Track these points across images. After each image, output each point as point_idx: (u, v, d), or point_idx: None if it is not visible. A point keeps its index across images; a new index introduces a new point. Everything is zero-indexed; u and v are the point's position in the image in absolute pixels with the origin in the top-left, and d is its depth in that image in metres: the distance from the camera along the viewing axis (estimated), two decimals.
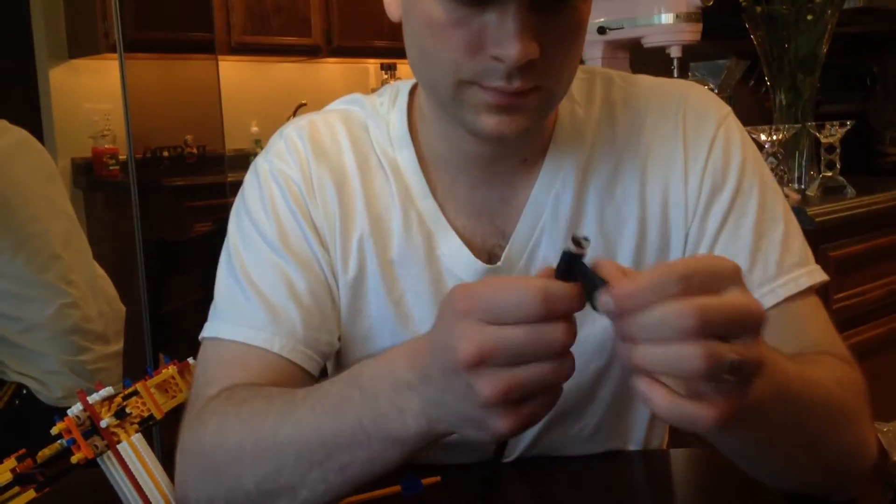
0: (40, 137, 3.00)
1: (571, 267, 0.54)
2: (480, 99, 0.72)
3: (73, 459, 0.75)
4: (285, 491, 0.67)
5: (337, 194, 0.84)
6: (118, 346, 1.82)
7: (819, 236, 1.77)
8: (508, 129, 0.73)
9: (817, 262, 0.84)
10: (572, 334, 0.54)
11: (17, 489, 0.75)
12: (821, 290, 0.84)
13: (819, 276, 0.83)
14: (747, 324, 0.52)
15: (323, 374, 0.90)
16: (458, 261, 0.83)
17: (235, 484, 0.69)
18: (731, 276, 0.53)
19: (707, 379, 0.51)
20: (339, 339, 0.85)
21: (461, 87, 0.73)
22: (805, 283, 0.81)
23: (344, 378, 0.66)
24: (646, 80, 0.89)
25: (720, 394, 0.51)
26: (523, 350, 0.53)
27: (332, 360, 0.89)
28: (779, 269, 0.81)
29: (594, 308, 0.53)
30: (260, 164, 0.87)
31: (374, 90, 0.94)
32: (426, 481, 0.83)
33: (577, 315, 0.84)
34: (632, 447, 0.92)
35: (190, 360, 0.91)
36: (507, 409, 0.54)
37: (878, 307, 2.00)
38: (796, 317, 0.80)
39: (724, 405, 0.51)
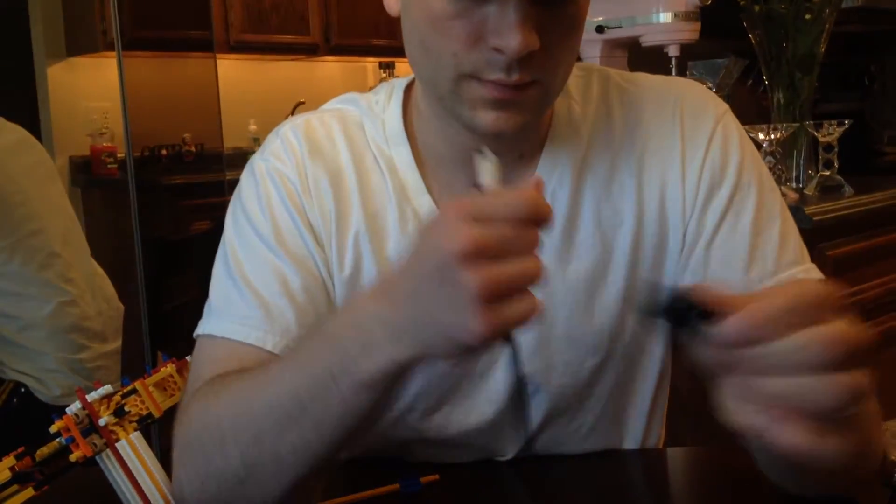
0: (38, 135, 2.99)
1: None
2: (479, 94, 0.73)
3: (72, 458, 0.75)
4: (269, 459, 0.67)
5: (333, 192, 0.84)
6: (116, 344, 1.82)
7: (817, 235, 1.78)
8: (506, 125, 0.74)
9: (815, 260, 0.84)
10: (539, 237, 0.57)
11: (15, 487, 0.75)
12: None
13: (815, 274, 0.83)
14: (863, 355, 0.51)
15: None
16: None
17: (223, 463, 0.69)
18: (835, 304, 0.52)
19: (842, 411, 0.50)
20: None
21: (460, 82, 0.73)
22: (802, 279, 0.81)
23: (310, 333, 0.67)
24: (643, 78, 0.89)
25: (841, 425, 0.50)
26: (511, 244, 0.55)
27: None
28: (776, 267, 0.81)
29: (694, 334, 0.52)
30: (256, 162, 0.88)
31: (372, 89, 0.94)
32: (425, 480, 0.83)
33: (574, 313, 0.84)
34: (629, 444, 0.92)
35: (188, 358, 0.91)
36: (490, 307, 0.55)
37: (875, 306, 2.00)
38: None
39: (847, 436, 0.51)
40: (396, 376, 0.62)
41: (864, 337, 0.51)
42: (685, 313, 0.52)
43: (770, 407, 0.50)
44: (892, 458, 0.78)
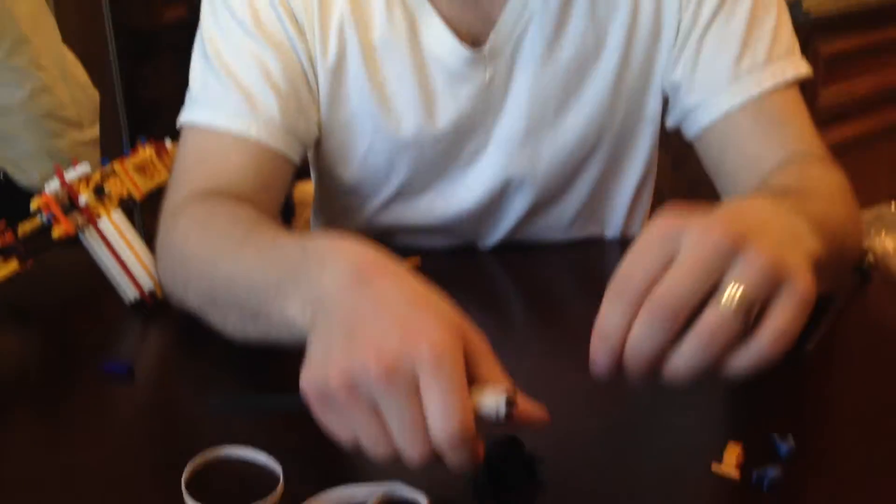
0: None
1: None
2: None
3: (54, 234, 0.75)
4: (218, 322, 0.66)
5: None
6: (94, 132, 1.80)
7: (812, 30, 1.74)
8: None
9: (807, 56, 0.83)
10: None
11: None
12: (809, 85, 0.83)
13: (804, 68, 0.82)
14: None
15: (305, 164, 0.90)
16: (442, 46, 0.81)
17: (183, 292, 0.70)
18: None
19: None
20: (320, 127, 0.84)
21: None
22: (791, 74, 0.81)
23: (294, 245, 0.60)
24: None
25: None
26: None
27: (313, 149, 0.88)
28: (767, 58, 0.80)
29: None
30: None
31: None
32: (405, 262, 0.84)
33: (563, 102, 0.83)
34: (609, 234, 0.94)
35: (167, 140, 0.90)
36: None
37: (866, 102, 1.99)
38: (778, 109, 0.80)
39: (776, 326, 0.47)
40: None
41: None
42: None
43: None
44: (865, 244, 0.80)
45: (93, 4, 2.20)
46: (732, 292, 0.46)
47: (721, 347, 0.46)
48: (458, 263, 0.88)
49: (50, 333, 0.78)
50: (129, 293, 0.78)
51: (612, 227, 0.94)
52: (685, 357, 0.47)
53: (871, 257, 0.76)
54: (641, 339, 0.47)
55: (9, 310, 0.80)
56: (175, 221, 0.73)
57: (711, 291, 0.46)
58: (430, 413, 0.45)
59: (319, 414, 0.47)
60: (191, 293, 0.69)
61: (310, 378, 0.47)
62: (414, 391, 0.45)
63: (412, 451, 0.45)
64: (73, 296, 0.84)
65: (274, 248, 0.61)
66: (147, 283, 0.78)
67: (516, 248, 0.91)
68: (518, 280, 0.87)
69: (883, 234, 0.80)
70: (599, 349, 0.48)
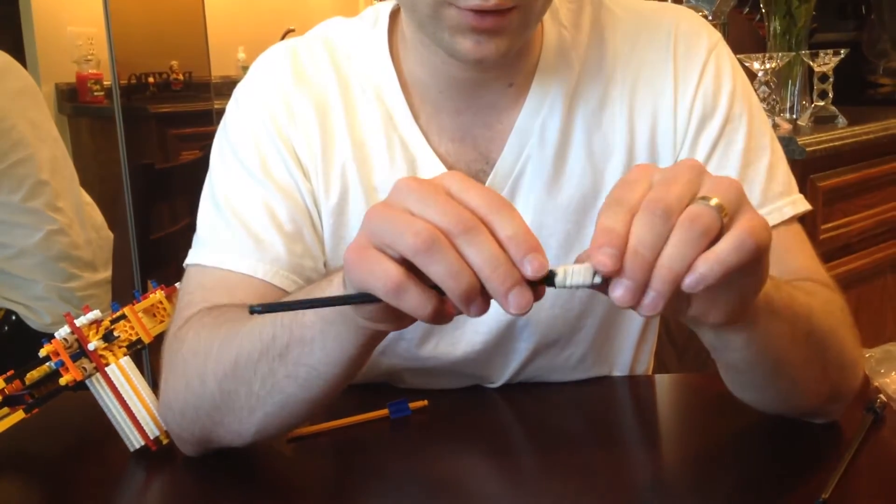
0: (23, 61, 2.93)
1: None
2: (458, 20, 0.70)
3: (62, 381, 0.75)
4: (243, 387, 0.68)
5: (318, 120, 0.83)
6: (106, 273, 1.82)
7: (809, 166, 1.77)
8: (487, 52, 0.72)
9: (806, 192, 0.85)
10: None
11: (6, 410, 0.75)
12: (808, 220, 0.84)
13: (802, 205, 0.83)
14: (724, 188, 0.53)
15: None
16: None
17: (201, 388, 0.70)
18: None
19: (711, 221, 0.51)
20: (326, 266, 0.85)
21: (439, 8, 0.70)
22: (789, 212, 0.82)
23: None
24: (637, 5, 0.87)
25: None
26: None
27: None
28: (763, 198, 0.81)
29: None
30: (241, 91, 0.87)
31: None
32: (413, 406, 0.83)
33: (564, 242, 0.84)
34: (617, 373, 0.93)
35: (178, 285, 0.91)
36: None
37: (865, 237, 2.00)
38: (780, 246, 0.80)
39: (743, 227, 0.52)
40: (348, 324, 0.60)
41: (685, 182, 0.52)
42: None
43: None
44: (875, 384, 0.79)
45: (110, 147, 2.27)
46: (709, 194, 0.52)
47: (700, 235, 0.50)
48: (466, 404, 0.88)
49: (52, 481, 0.76)
50: (134, 441, 0.77)
51: (620, 367, 0.93)
52: (673, 246, 0.50)
53: (882, 397, 0.76)
54: (642, 236, 0.50)
55: (10, 456, 0.79)
56: (179, 339, 0.74)
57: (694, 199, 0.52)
58: (507, 238, 0.51)
59: (420, 257, 0.50)
60: (209, 377, 0.69)
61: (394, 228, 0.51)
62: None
63: (497, 275, 0.50)
64: (76, 442, 0.83)
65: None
66: (153, 430, 0.77)
67: (524, 387, 0.90)
68: (526, 421, 0.86)
69: (894, 374, 0.80)
70: (605, 249, 0.51)
